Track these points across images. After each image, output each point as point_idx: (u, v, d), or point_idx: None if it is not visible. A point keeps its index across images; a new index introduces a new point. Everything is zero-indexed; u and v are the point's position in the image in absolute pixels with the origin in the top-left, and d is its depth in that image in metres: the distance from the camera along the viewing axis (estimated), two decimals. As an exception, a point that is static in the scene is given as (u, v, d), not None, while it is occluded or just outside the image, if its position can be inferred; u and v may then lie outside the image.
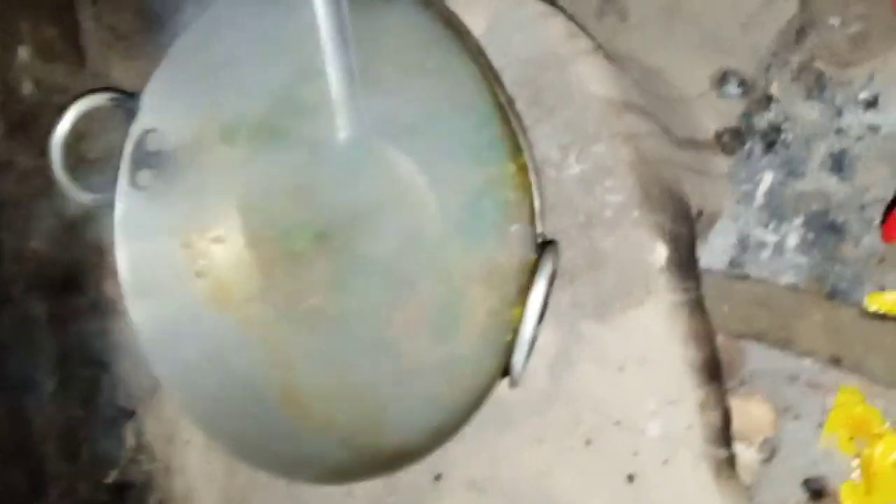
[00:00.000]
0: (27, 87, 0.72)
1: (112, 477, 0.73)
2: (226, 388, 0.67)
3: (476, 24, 0.61)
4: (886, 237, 0.52)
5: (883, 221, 0.61)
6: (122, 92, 0.65)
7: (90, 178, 0.65)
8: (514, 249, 0.58)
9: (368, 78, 0.61)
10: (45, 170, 0.63)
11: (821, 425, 0.68)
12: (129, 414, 0.75)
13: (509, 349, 0.55)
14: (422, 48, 0.59)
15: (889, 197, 0.65)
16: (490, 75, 0.56)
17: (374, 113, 0.61)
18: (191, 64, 0.64)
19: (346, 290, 0.65)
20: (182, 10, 0.70)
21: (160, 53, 0.65)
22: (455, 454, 0.63)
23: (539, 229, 0.55)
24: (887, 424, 0.66)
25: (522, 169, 0.55)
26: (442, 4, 0.57)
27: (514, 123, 0.55)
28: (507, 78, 0.60)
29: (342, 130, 0.63)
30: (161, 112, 0.65)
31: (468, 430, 0.58)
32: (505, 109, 0.55)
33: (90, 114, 0.64)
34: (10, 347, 0.68)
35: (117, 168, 0.65)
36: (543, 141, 0.60)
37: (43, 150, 0.63)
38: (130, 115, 0.65)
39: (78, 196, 0.65)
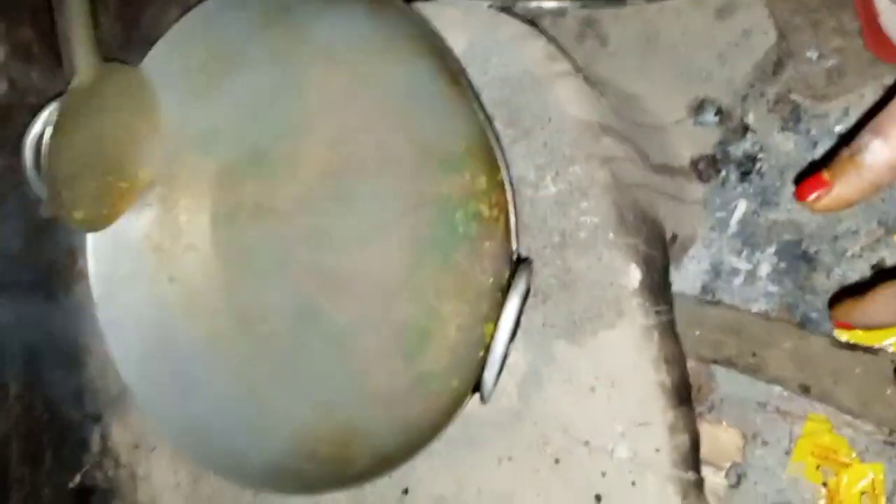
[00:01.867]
0: (2, 88, 0.72)
1: (76, 482, 0.73)
2: (193, 398, 0.67)
3: (456, 42, 0.61)
4: (799, 197, 0.54)
5: (798, 182, 0.62)
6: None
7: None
8: (487, 266, 0.59)
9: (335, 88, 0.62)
10: (17, 170, 0.63)
11: (788, 453, 0.68)
12: (96, 418, 0.74)
13: (480, 366, 0.55)
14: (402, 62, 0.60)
15: (861, 228, 0.66)
16: (469, 92, 0.56)
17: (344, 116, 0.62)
18: (168, 71, 0.64)
19: (313, 307, 0.65)
20: (161, 16, 0.70)
21: (138, 59, 0.65)
22: (423, 469, 0.63)
23: (514, 247, 0.55)
24: (854, 454, 0.66)
25: (499, 186, 0.56)
26: (425, 23, 0.58)
27: (492, 141, 0.55)
28: (486, 97, 0.61)
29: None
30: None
31: (437, 446, 0.57)
32: (482, 126, 0.55)
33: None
34: (-24, 349, 0.68)
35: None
36: (520, 161, 0.60)
37: (16, 150, 0.62)
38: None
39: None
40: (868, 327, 0.59)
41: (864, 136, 0.51)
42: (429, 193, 0.60)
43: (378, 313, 0.63)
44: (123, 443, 0.74)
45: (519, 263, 0.55)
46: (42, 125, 0.62)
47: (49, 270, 0.68)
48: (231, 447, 0.65)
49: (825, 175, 0.52)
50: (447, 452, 0.62)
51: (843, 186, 0.52)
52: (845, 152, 0.52)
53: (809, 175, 0.53)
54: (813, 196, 0.53)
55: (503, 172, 0.55)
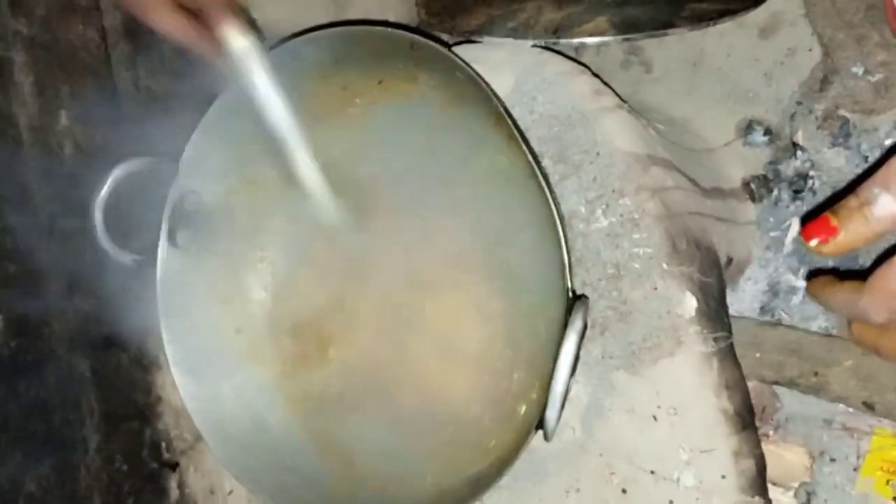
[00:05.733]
0: (68, 150, 0.74)
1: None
2: (264, 441, 0.68)
3: (502, 84, 0.62)
4: (805, 238, 0.54)
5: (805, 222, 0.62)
6: (161, 156, 0.67)
7: (131, 238, 0.67)
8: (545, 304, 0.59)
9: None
10: (86, 231, 0.65)
11: (857, 469, 0.68)
12: (172, 466, 0.76)
13: (543, 403, 0.55)
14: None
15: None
16: (516, 134, 0.57)
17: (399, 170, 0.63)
18: (226, 128, 0.66)
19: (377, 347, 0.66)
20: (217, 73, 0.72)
21: (196, 115, 0.67)
22: (491, 504, 0.64)
23: (568, 283, 0.56)
24: (924, 467, 0.66)
25: (551, 224, 0.56)
26: (466, 68, 0.58)
27: (542, 179, 0.56)
28: (534, 135, 0.61)
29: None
30: (198, 174, 0.67)
31: (505, 482, 0.58)
32: (532, 167, 0.56)
33: (130, 176, 0.66)
34: (55, 405, 0.70)
35: (157, 228, 0.67)
36: (571, 196, 0.61)
37: (85, 212, 0.65)
38: (169, 177, 0.67)
39: (119, 256, 0.66)
40: (829, 309, 0.60)
41: (874, 189, 0.51)
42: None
43: (444, 352, 0.65)
44: (200, 488, 0.76)
45: (575, 300, 0.56)
46: (109, 187, 0.65)
47: (121, 326, 0.70)
48: (303, 488, 0.67)
49: (833, 221, 0.52)
50: (516, 487, 0.62)
51: (848, 234, 0.52)
52: (853, 201, 0.52)
53: (816, 217, 0.53)
54: (818, 240, 0.53)
55: (555, 209, 0.56)
